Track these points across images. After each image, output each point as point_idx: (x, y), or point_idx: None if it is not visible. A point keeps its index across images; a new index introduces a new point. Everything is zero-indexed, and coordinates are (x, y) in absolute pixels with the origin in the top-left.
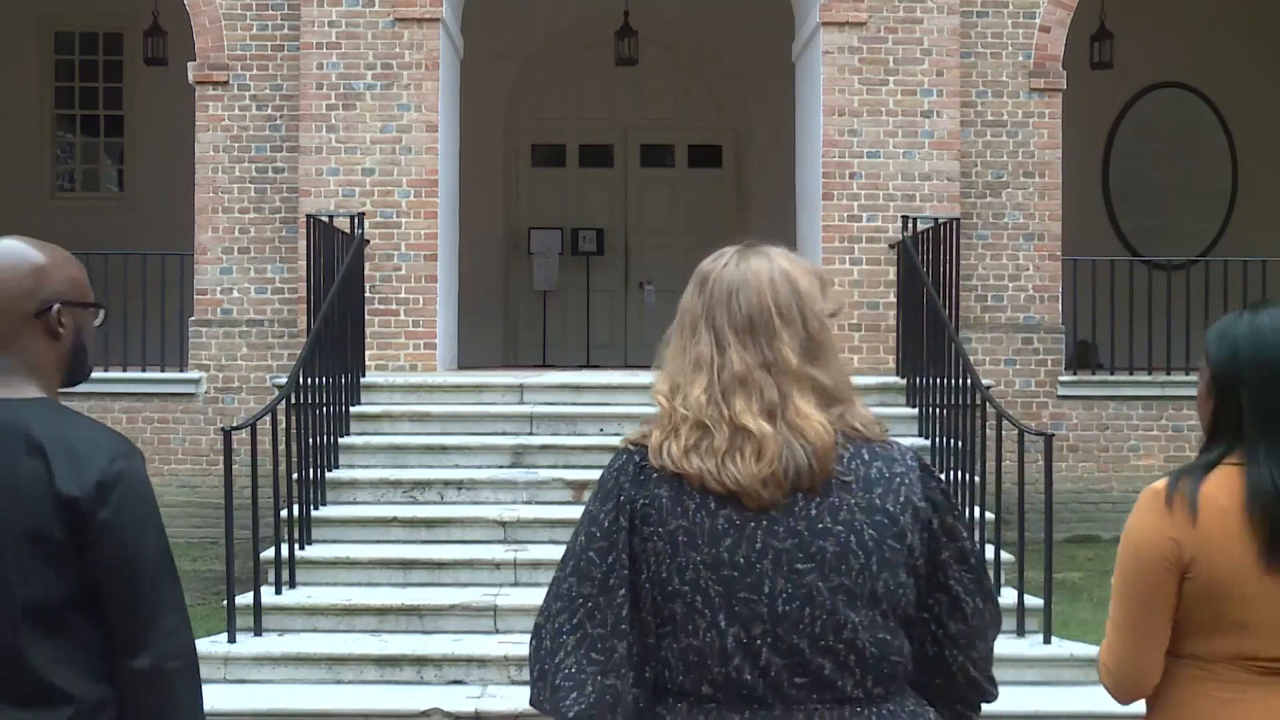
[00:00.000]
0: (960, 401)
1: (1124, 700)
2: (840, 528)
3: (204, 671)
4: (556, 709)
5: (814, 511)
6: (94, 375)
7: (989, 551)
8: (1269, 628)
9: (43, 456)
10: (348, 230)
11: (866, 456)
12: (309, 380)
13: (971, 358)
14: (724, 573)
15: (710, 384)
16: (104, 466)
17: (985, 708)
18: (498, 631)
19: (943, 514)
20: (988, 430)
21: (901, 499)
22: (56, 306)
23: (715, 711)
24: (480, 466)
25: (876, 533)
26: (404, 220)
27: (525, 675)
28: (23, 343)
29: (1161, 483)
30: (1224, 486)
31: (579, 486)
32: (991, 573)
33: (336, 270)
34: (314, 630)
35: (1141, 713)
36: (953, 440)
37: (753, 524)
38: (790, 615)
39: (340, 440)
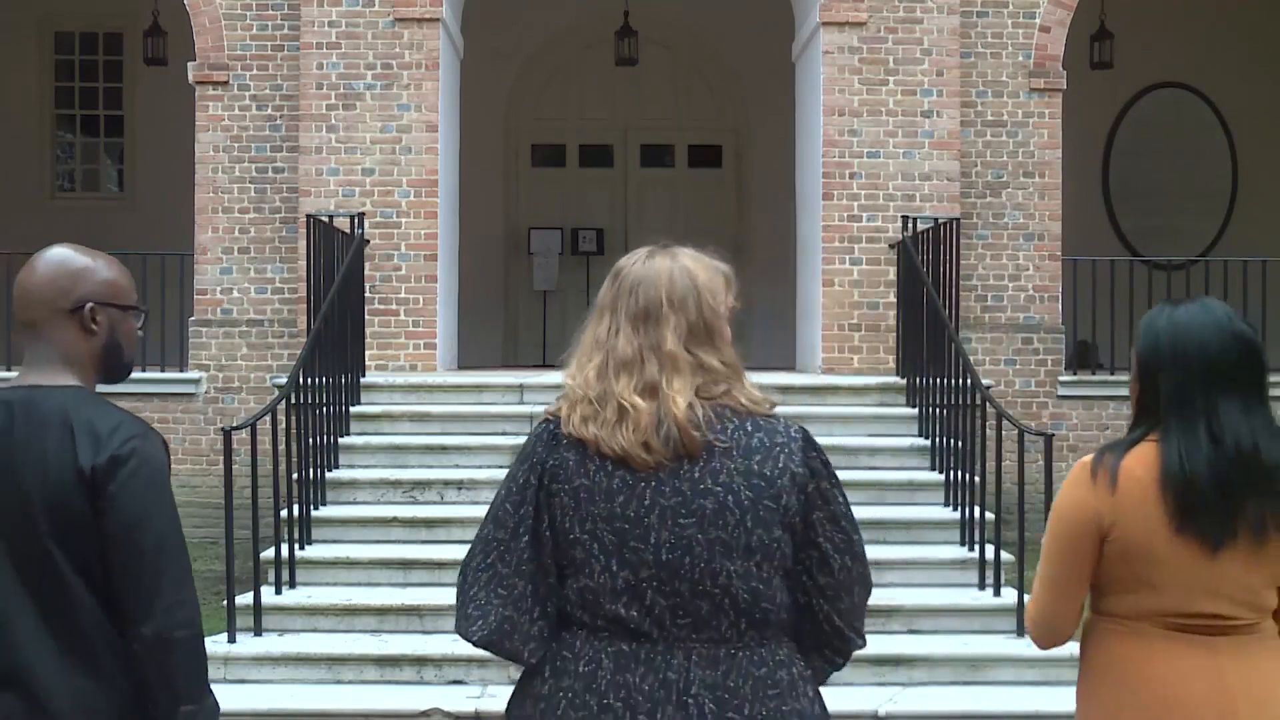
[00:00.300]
0: (960, 401)
1: (1044, 646)
2: (719, 488)
3: None
4: (466, 633)
5: (696, 474)
6: None
7: (989, 551)
8: (1175, 587)
9: (70, 436)
10: (348, 230)
11: (749, 428)
12: (309, 380)
13: (971, 358)
14: (617, 525)
15: (603, 364)
16: (119, 444)
17: (985, 707)
18: None
19: (819, 480)
20: (988, 430)
21: (780, 465)
22: (90, 305)
23: (608, 641)
24: (480, 466)
25: (753, 493)
26: (404, 220)
27: None
28: (58, 334)
29: (1089, 456)
30: (1142, 460)
31: None
32: (991, 573)
33: (336, 270)
34: (314, 630)
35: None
36: (953, 440)
37: (643, 484)
38: (672, 563)
39: (340, 440)
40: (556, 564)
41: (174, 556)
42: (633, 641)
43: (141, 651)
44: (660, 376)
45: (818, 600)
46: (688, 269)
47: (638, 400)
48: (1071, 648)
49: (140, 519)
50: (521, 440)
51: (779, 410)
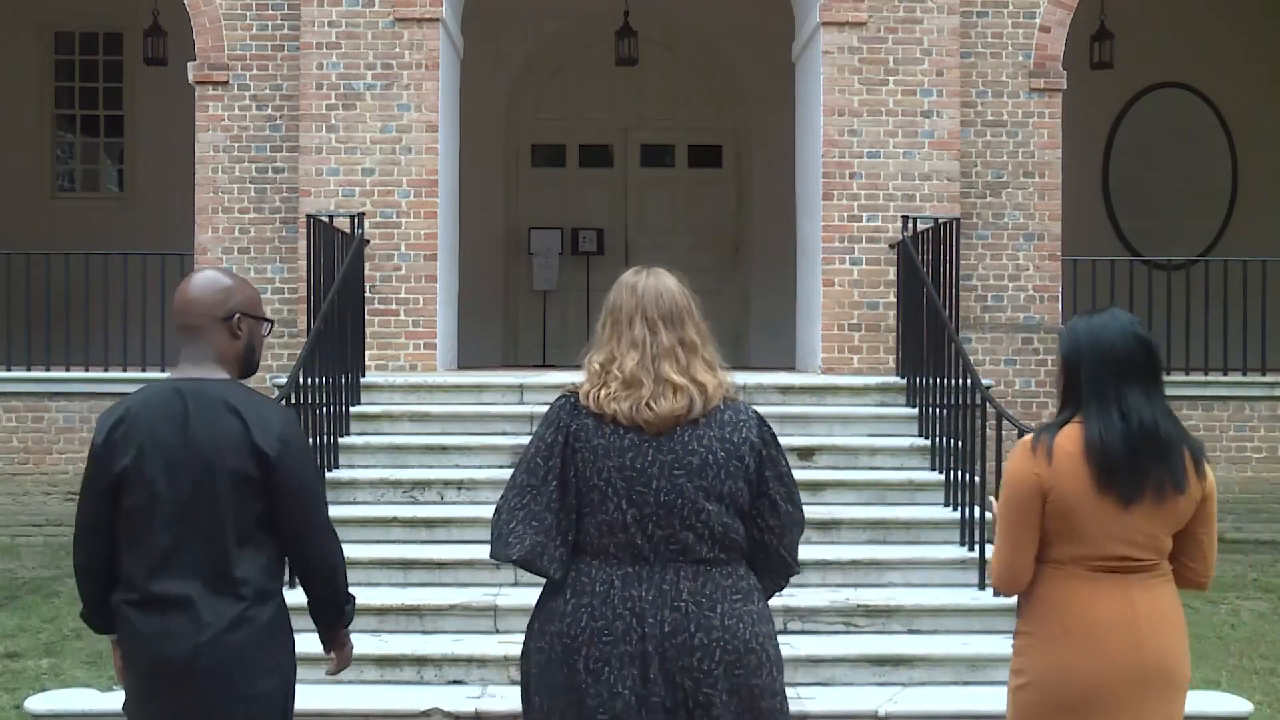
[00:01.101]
0: (960, 401)
1: (1007, 594)
2: (703, 449)
3: None
4: (505, 555)
5: (687, 438)
6: (94, 375)
7: (989, 551)
8: (1096, 536)
9: (241, 419)
10: (348, 230)
11: (723, 407)
12: (309, 380)
13: (971, 358)
14: (627, 474)
15: (643, 355)
16: (283, 430)
17: (985, 707)
18: (498, 631)
19: (768, 448)
20: (988, 430)
21: (743, 435)
22: (237, 315)
23: (617, 565)
24: (480, 466)
25: (725, 454)
26: (404, 220)
27: None
28: (212, 337)
29: (1029, 436)
30: (1070, 437)
31: None
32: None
33: (336, 270)
34: (313, 630)
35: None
36: (953, 440)
37: (647, 444)
38: (668, 503)
39: (340, 440)
40: (577, 504)
41: (322, 505)
42: (637, 564)
43: (317, 581)
44: (691, 362)
45: (769, 537)
46: (680, 286)
47: (680, 380)
48: None
49: (301, 483)
50: (522, 440)
51: (780, 410)
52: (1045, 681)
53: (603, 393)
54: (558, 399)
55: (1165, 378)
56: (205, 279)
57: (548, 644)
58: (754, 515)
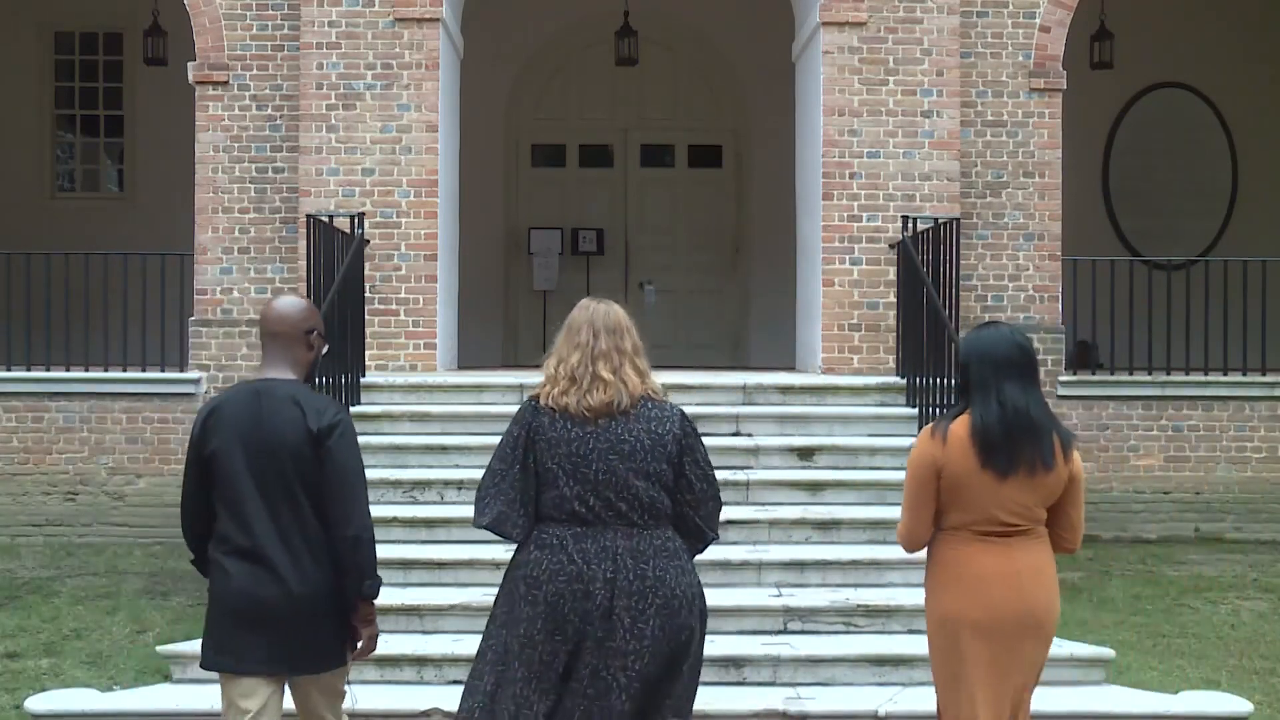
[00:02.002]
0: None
1: (909, 551)
2: (632, 437)
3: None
4: (479, 522)
5: (619, 428)
6: (94, 375)
7: None
8: (980, 505)
9: (301, 410)
10: (348, 230)
11: (651, 406)
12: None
13: None
14: (573, 459)
15: (584, 356)
16: (332, 419)
17: None
18: None
19: (688, 439)
20: None
21: (665, 429)
22: (315, 332)
23: (568, 527)
24: (480, 467)
25: (650, 442)
26: (404, 220)
27: None
28: (293, 347)
29: (931, 425)
30: (960, 424)
31: None
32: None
33: (336, 270)
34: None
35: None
36: None
37: (589, 434)
38: (604, 480)
39: None
40: (536, 483)
41: (362, 486)
42: (583, 526)
43: (343, 545)
44: (621, 364)
45: (687, 509)
46: (623, 313)
47: (609, 376)
48: (1071, 648)
49: (344, 463)
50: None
51: (779, 411)
52: (946, 620)
53: (555, 390)
54: (524, 401)
55: (1174, 378)
56: (293, 301)
57: (514, 585)
58: (676, 491)
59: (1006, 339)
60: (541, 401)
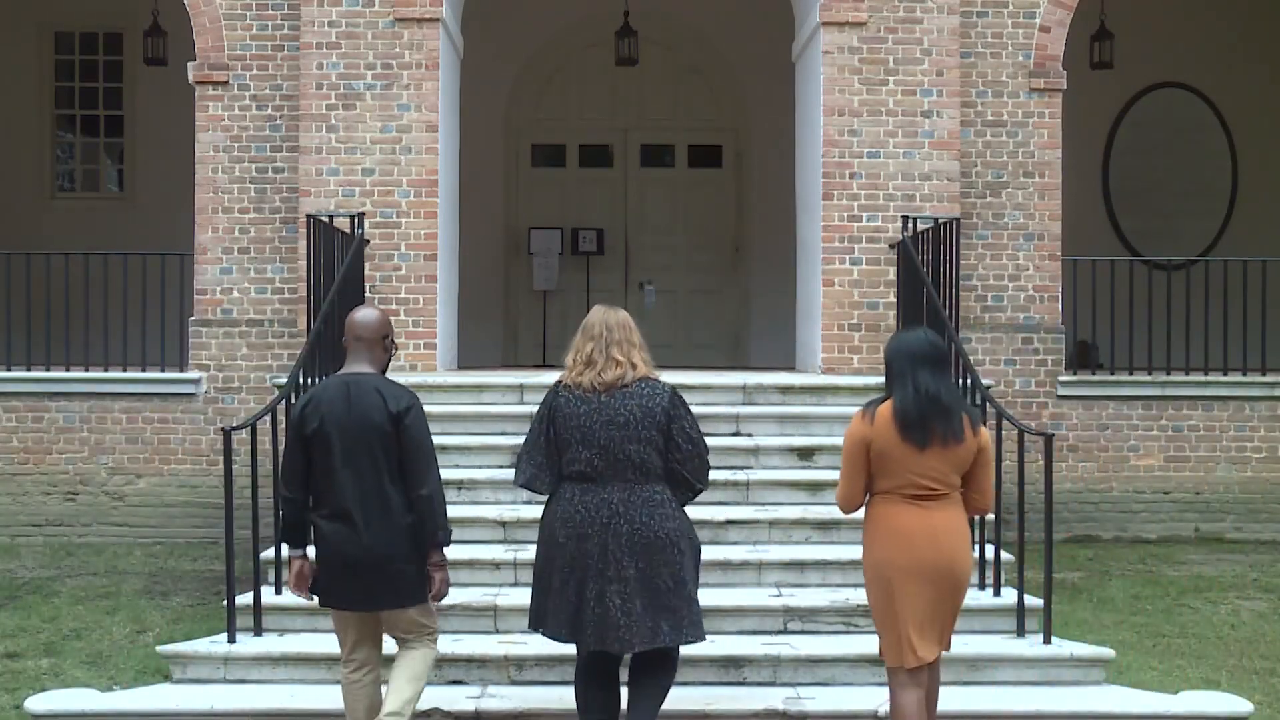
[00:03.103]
0: None
1: (846, 512)
2: (627, 410)
3: (203, 671)
4: (516, 481)
5: (618, 404)
6: (94, 375)
7: (989, 551)
8: (903, 473)
9: (382, 397)
10: (348, 230)
11: (646, 384)
12: (309, 380)
13: (971, 358)
14: (582, 429)
15: (599, 345)
16: (408, 403)
17: (985, 707)
18: (498, 631)
19: (675, 409)
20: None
21: (655, 402)
22: (388, 338)
23: (577, 484)
24: (480, 466)
25: (642, 414)
26: (404, 220)
27: (525, 675)
28: (373, 350)
29: (861, 408)
30: (886, 407)
31: None
32: (991, 573)
33: (336, 270)
34: (314, 630)
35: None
36: None
37: (594, 407)
38: (605, 446)
39: None
40: (558, 451)
41: (432, 456)
42: (589, 483)
43: (419, 502)
44: (629, 351)
45: (676, 466)
46: (628, 316)
47: (620, 358)
48: (1071, 648)
49: (418, 437)
50: (521, 440)
51: (780, 410)
52: (878, 567)
53: (573, 373)
54: (552, 386)
55: (1174, 378)
56: (373, 314)
57: (542, 530)
58: (667, 452)
59: (921, 339)
60: (563, 382)
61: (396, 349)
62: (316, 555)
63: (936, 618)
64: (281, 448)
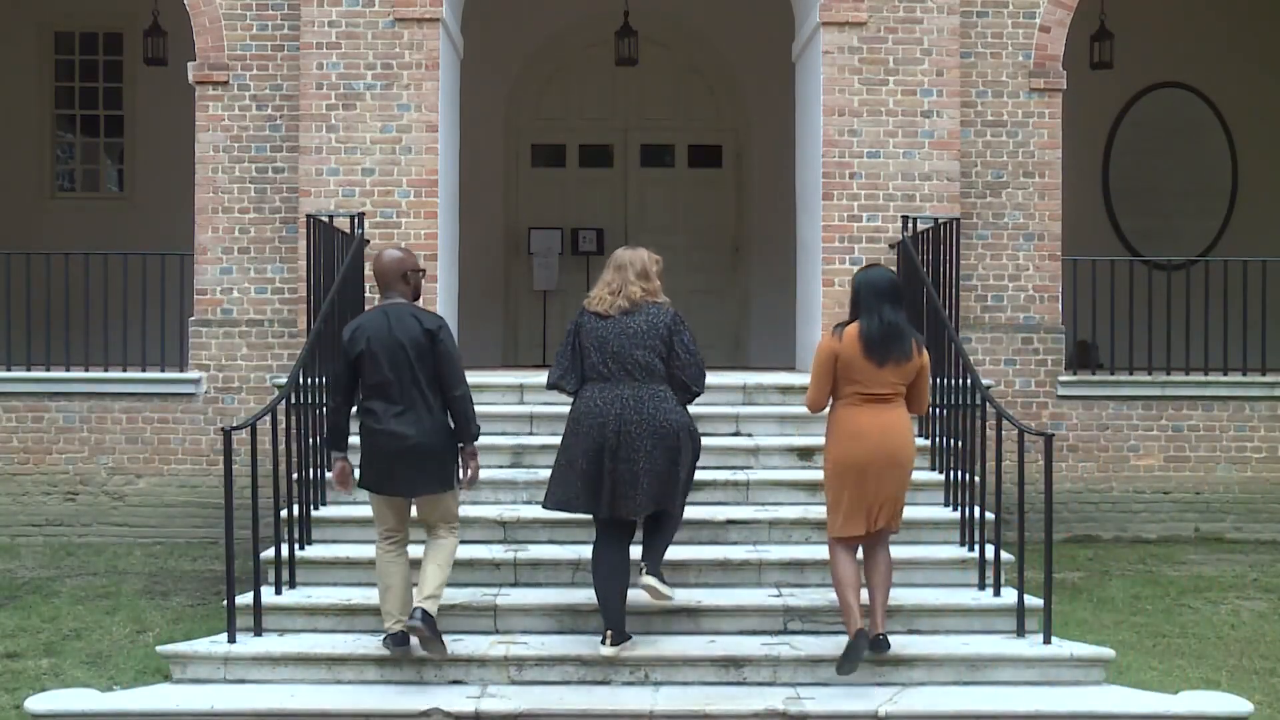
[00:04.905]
0: (960, 401)
1: (813, 411)
2: (634, 326)
3: (203, 671)
4: (548, 381)
5: (629, 321)
6: (94, 375)
7: (989, 551)
8: (863, 381)
9: (416, 319)
10: (348, 230)
11: (653, 307)
12: (309, 380)
13: (971, 358)
14: (600, 340)
15: (623, 275)
16: (439, 323)
17: (985, 707)
18: (498, 631)
19: (675, 325)
20: (988, 430)
21: (659, 319)
22: (408, 270)
23: (595, 384)
24: (480, 466)
25: (647, 327)
26: (404, 220)
27: (524, 675)
28: (398, 285)
29: (831, 329)
30: (852, 329)
31: None
32: (991, 573)
33: (336, 270)
34: (314, 630)
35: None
36: (953, 440)
37: (610, 323)
38: (617, 352)
39: None
40: (580, 358)
41: (461, 364)
42: (605, 382)
43: (454, 402)
44: (640, 284)
45: (676, 371)
46: (648, 253)
47: (634, 290)
48: (1071, 648)
49: (450, 349)
50: (520, 440)
51: (779, 410)
52: (837, 459)
53: (597, 297)
54: (579, 309)
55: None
56: (391, 254)
57: (568, 423)
58: (668, 360)
59: (884, 276)
60: (588, 307)
61: (424, 273)
62: (366, 451)
63: (888, 498)
64: (282, 447)
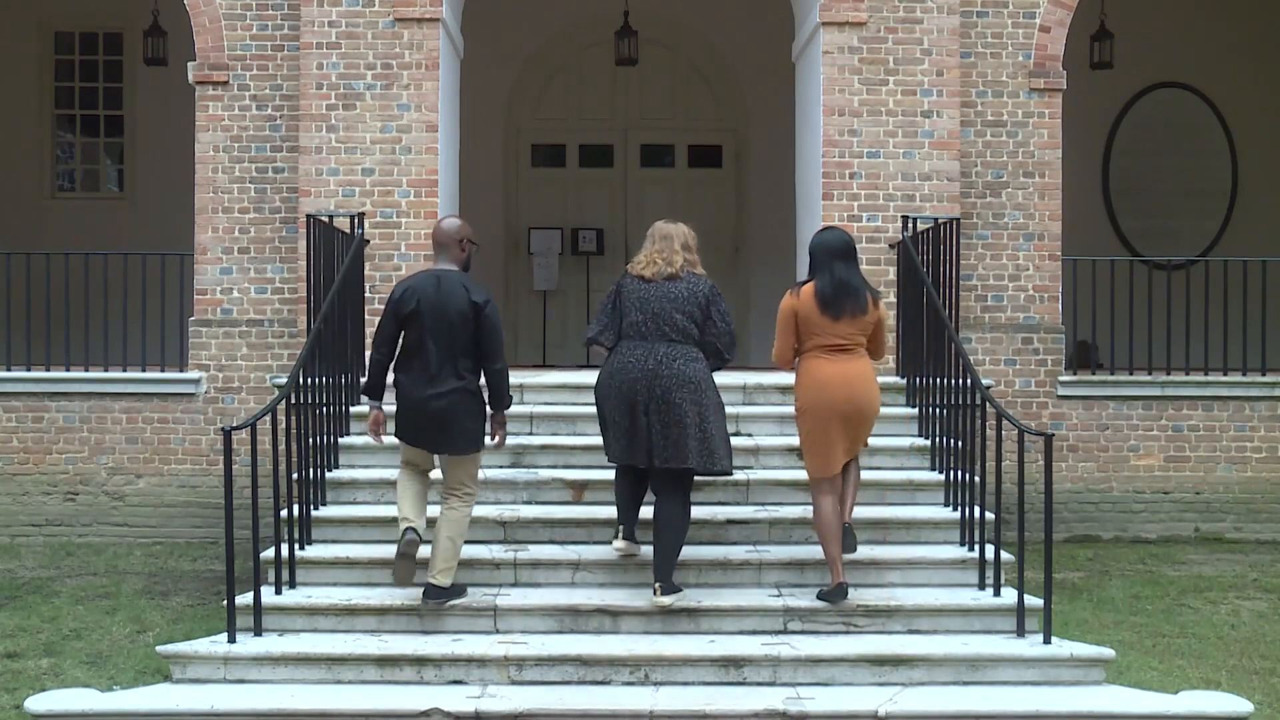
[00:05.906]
0: (960, 401)
1: (781, 366)
2: (676, 291)
3: (203, 671)
4: (586, 335)
5: (670, 287)
6: (94, 375)
7: (989, 551)
8: (823, 334)
9: (465, 289)
10: (348, 230)
11: (693, 276)
12: (309, 380)
13: (971, 358)
14: (640, 300)
15: (664, 246)
16: (485, 296)
17: (985, 707)
18: (498, 631)
19: (711, 295)
20: (988, 430)
21: (698, 288)
22: (464, 240)
23: (632, 340)
24: (480, 466)
25: (687, 294)
26: (404, 220)
27: (524, 675)
28: (452, 250)
29: (790, 289)
30: (809, 287)
31: (579, 486)
32: (991, 573)
33: (336, 270)
34: (314, 630)
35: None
36: (953, 440)
37: (651, 289)
38: (657, 313)
39: (340, 440)
40: (620, 316)
41: (502, 338)
42: (641, 340)
43: (493, 374)
44: (689, 252)
45: (710, 338)
46: (687, 228)
47: (677, 260)
48: (1071, 648)
49: (494, 323)
50: (520, 440)
51: (780, 410)
52: (806, 408)
53: (639, 263)
54: (622, 273)
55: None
56: (453, 221)
57: (605, 373)
58: (704, 327)
59: (838, 236)
60: (631, 270)
61: (477, 247)
62: (401, 405)
63: (853, 440)
64: (282, 447)
